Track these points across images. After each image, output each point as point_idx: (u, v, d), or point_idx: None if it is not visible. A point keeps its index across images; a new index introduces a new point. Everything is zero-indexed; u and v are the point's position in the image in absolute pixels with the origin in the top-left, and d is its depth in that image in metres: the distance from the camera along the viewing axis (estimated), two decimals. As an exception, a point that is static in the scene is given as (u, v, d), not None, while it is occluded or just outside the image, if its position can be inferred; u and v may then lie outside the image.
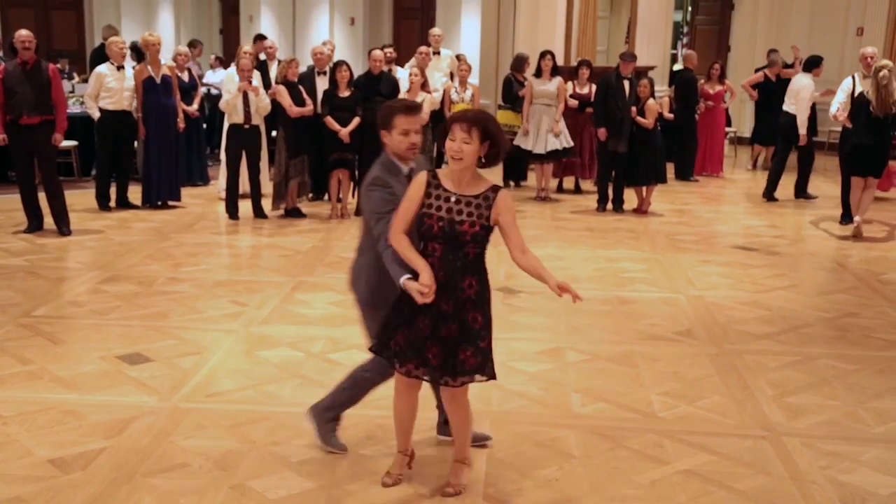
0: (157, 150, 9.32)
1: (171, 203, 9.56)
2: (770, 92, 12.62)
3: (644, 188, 9.81)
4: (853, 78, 9.27)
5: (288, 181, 9.02)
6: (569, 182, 11.27)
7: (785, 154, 10.72)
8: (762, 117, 12.97)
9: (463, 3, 13.89)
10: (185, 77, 10.60)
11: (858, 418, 4.51)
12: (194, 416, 4.31)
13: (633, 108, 9.62)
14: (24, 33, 7.97)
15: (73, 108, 10.60)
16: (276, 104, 8.95)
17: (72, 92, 11.77)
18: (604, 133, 9.71)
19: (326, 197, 9.51)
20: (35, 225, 8.21)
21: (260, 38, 11.84)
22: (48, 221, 8.22)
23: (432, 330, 3.38)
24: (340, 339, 5.40)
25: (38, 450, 3.91)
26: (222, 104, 9.13)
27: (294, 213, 9.18)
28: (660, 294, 6.70)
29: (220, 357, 5.13)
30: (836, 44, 14.47)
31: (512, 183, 11.41)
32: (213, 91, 12.43)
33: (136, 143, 9.91)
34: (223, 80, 10.31)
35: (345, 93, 8.97)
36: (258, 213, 9.10)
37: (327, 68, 9.35)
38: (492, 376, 3.47)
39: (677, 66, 14.32)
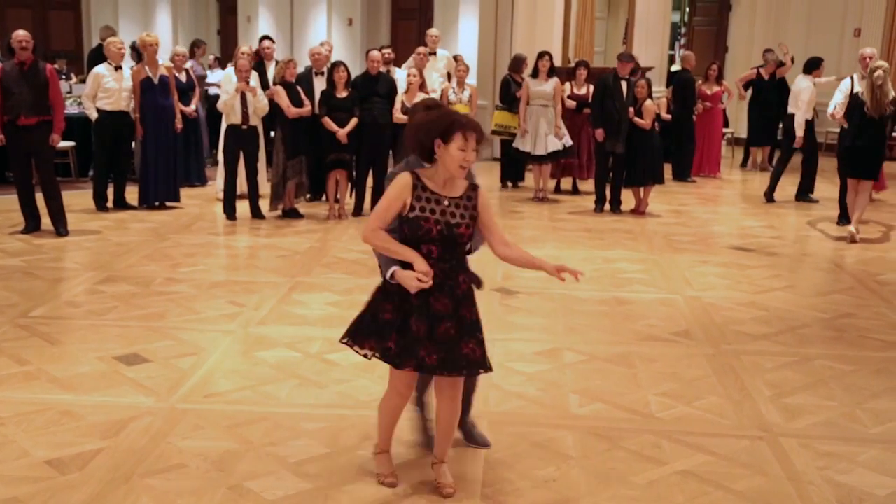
0: (155, 151, 9.32)
1: (168, 204, 9.55)
2: (762, 91, 12.66)
3: (642, 189, 9.82)
4: (852, 79, 9.29)
5: (286, 182, 9.02)
6: (566, 183, 11.28)
7: (788, 156, 10.73)
8: (754, 118, 13.01)
9: (461, 3, 13.88)
10: (183, 77, 10.60)
11: (855, 419, 4.51)
12: (192, 417, 4.30)
13: (631, 109, 9.63)
14: (21, 33, 7.96)
15: (71, 108, 10.60)
16: (274, 105, 8.95)
17: (69, 92, 11.76)
18: (601, 134, 9.72)
19: (324, 198, 9.51)
20: (32, 225, 8.20)
21: (267, 39, 11.80)
22: (45, 222, 8.21)
23: (428, 333, 3.38)
24: (338, 340, 5.37)
25: (35, 450, 3.91)
26: (220, 105, 9.13)
27: (292, 214, 9.18)
28: (657, 295, 6.70)
29: (217, 358, 5.13)
30: (834, 45, 14.49)
31: (510, 183, 11.42)
32: (216, 91, 12.38)
33: (133, 144, 9.90)
34: (221, 80, 10.31)
35: (342, 93, 8.97)
36: (256, 213, 9.10)
37: (325, 69, 9.36)
38: (490, 369, 3.54)
39: (675, 67, 14.34)
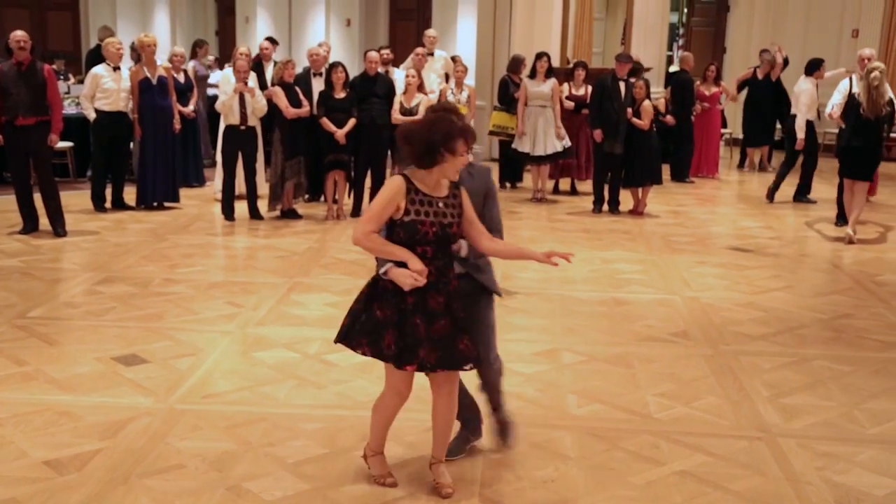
0: (153, 152, 9.31)
1: (166, 204, 9.55)
2: (756, 91, 12.67)
3: (640, 189, 9.83)
4: (850, 79, 9.31)
5: (284, 182, 9.02)
6: (565, 183, 11.28)
7: (793, 157, 10.75)
8: (748, 118, 13.02)
9: (459, 4, 13.87)
10: (181, 78, 10.59)
11: (853, 419, 4.52)
12: (190, 418, 4.30)
13: (629, 110, 9.64)
14: (19, 34, 7.96)
15: (69, 108, 10.58)
16: (272, 105, 8.94)
17: (67, 93, 11.75)
18: (599, 134, 9.72)
19: (322, 198, 9.51)
20: (30, 226, 8.19)
21: (271, 41, 11.79)
22: (43, 222, 8.20)
23: (426, 330, 3.39)
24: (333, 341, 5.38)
25: (33, 451, 3.90)
26: (218, 105, 9.13)
27: (290, 215, 9.18)
28: (655, 295, 6.70)
29: (215, 358, 5.13)
30: (832, 46, 14.51)
31: (508, 184, 11.42)
32: (216, 91, 12.36)
33: (131, 144, 9.90)
34: (219, 80, 10.30)
35: (341, 94, 8.97)
36: (254, 214, 9.09)
37: (323, 70, 9.35)
38: (482, 362, 3.62)
39: (673, 68, 14.35)
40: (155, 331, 5.57)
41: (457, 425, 3.96)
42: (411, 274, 3.33)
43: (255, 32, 15.42)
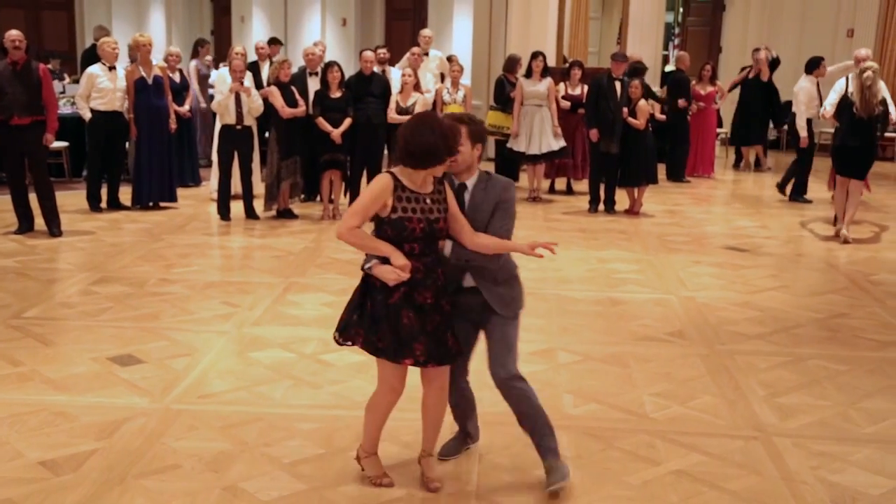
0: (148, 151, 9.30)
1: (162, 204, 9.54)
2: (746, 90, 12.69)
3: (636, 189, 9.84)
4: (847, 79, 9.31)
5: (280, 182, 9.01)
6: (561, 183, 11.29)
7: (800, 155, 10.75)
8: (738, 118, 13.05)
9: (455, 4, 13.87)
10: (177, 77, 10.57)
11: (849, 418, 4.52)
12: (186, 418, 4.30)
13: (625, 109, 9.65)
14: (14, 33, 7.95)
15: (65, 108, 10.57)
16: (268, 105, 8.94)
17: (63, 92, 11.73)
18: (595, 134, 9.73)
19: (318, 198, 9.51)
20: (26, 226, 8.18)
21: (275, 41, 11.76)
22: (39, 222, 8.19)
23: (420, 326, 3.40)
24: (332, 341, 5.37)
25: (28, 452, 3.90)
26: (214, 105, 9.12)
27: (286, 214, 9.18)
28: (651, 295, 6.71)
29: (211, 358, 5.12)
30: (827, 45, 14.52)
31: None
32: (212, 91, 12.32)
33: (127, 144, 9.89)
34: (215, 80, 10.30)
35: (336, 94, 8.97)
36: (250, 214, 9.09)
37: (319, 69, 9.35)
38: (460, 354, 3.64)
39: (669, 67, 14.36)
40: (151, 331, 5.56)
41: (456, 426, 3.97)
42: (394, 270, 3.34)
43: (251, 32, 15.43)
